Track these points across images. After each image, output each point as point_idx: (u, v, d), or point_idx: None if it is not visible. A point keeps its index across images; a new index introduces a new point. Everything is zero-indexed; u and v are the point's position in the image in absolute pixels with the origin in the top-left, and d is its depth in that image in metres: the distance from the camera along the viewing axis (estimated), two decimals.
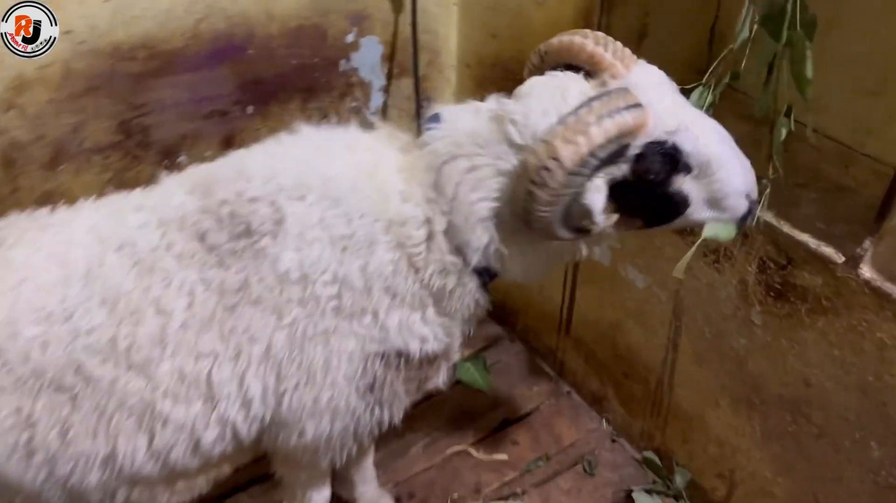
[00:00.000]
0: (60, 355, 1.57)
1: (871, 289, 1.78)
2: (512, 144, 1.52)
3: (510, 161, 1.53)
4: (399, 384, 1.73)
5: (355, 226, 1.62)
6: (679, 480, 2.50)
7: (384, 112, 2.73)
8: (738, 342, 2.15)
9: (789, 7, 1.77)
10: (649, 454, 2.61)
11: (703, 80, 1.97)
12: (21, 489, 1.64)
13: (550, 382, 2.95)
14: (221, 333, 1.61)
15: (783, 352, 2.03)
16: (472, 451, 2.67)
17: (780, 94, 1.88)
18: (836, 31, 2.00)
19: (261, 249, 1.61)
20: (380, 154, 1.71)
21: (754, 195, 1.59)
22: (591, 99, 1.44)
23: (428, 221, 1.62)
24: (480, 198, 1.57)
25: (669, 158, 1.50)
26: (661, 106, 1.50)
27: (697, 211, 1.57)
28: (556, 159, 1.40)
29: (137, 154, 2.35)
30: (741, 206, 1.56)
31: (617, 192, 1.51)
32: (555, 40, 1.63)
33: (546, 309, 2.89)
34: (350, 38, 2.56)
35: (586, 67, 1.58)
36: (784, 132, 1.89)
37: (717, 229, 1.67)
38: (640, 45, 2.34)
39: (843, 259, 1.83)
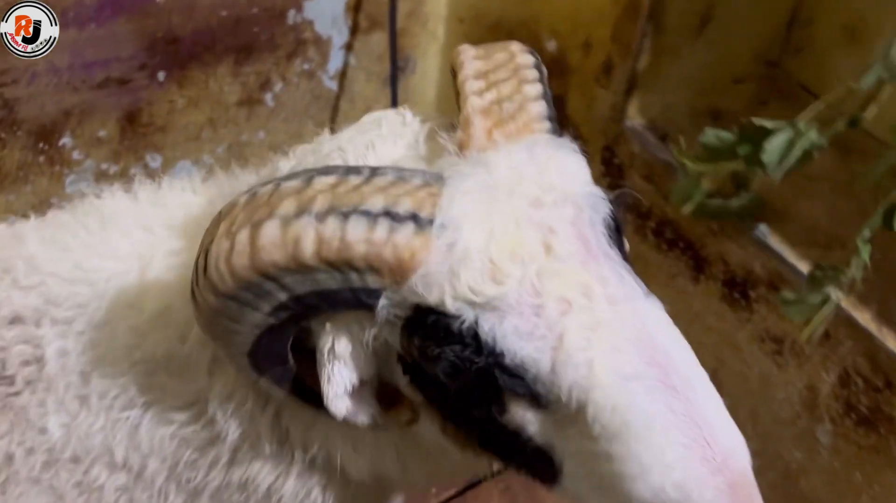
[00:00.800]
0: None
1: None
2: None
3: None
4: None
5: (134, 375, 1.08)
6: None
7: (344, 75, 2.08)
8: (791, 454, 1.65)
9: None
10: None
11: (799, 119, 1.37)
12: None
13: None
14: None
15: (856, 487, 1.54)
16: None
17: None
18: None
19: (21, 408, 1.08)
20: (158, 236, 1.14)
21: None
22: (345, 172, 0.88)
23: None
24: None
25: (466, 361, 0.85)
26: (498, 252, 0.84)
27: (572, 480, 0.90)
28: (219, 256, 0.85)
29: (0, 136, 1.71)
30: None
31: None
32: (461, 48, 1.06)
33: None
34: None
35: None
36: None
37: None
38: (702, 31, 1.71)
39: None
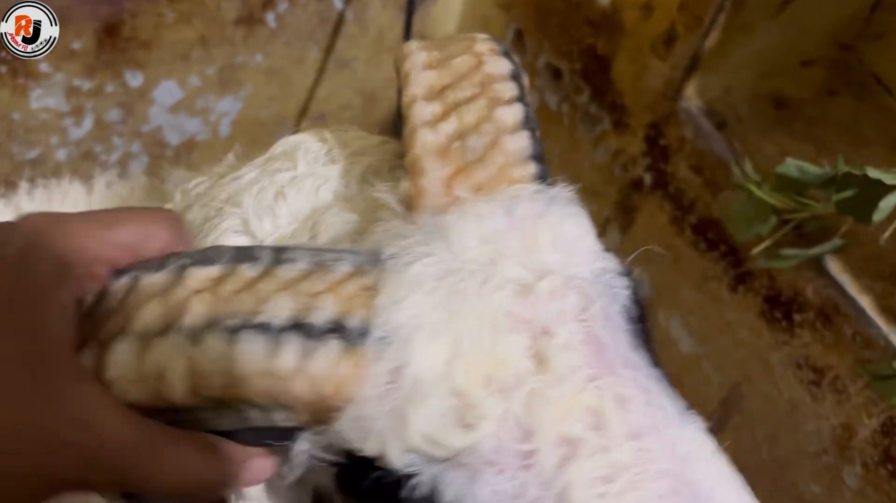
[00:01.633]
0: None
1: None
2: None
3: None
4: None
5: None
6: None
7: None
8: (809, 488, 1.54)
9: None
10: None
11: None
12: None
13: None
14: None
15: None
16: None
17: None
18: None
19: None
20: None
21: None
22: (234, 258, 0.60)
23: None
24: None
25: None
26: (468, 378, 0.57)
27: None
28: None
29: None
30: None
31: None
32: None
33: None
34: None
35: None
36: None
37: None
38: (783, 9, 1.48)
39: None
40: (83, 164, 1.71)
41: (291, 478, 0.62)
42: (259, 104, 1.87)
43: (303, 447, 0.59)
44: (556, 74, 1.78)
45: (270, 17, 1.74)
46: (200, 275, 0.58)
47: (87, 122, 1.67)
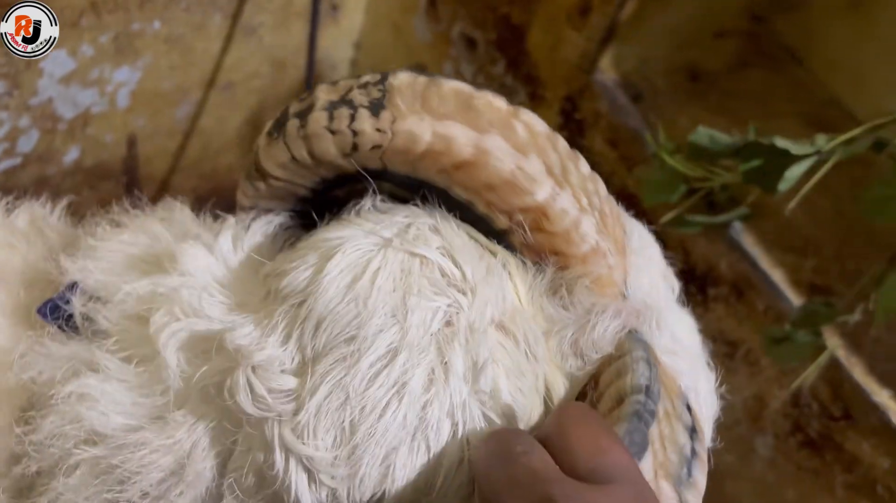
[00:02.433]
0: None
1: None
2: None
3: None
4: None
5: None
6: None
7: None
8: (723, 457, 1.57)
9: None
10: None
11: (830, 145, 1.16)
12: None
13: None
14: None
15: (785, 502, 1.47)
16: None
17: None
18: None
19: None
20: None
21: None
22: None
23: None
24: None
25: None
26: None
27: None
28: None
29: None
30: None
31: None
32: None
33: None
34: None
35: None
36: None
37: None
38: None
39: None
40: None
41: None
42: (159, 74, 1.77)
43: None
44: (471, 44, 1.73)
45: None
46: None
47: None
